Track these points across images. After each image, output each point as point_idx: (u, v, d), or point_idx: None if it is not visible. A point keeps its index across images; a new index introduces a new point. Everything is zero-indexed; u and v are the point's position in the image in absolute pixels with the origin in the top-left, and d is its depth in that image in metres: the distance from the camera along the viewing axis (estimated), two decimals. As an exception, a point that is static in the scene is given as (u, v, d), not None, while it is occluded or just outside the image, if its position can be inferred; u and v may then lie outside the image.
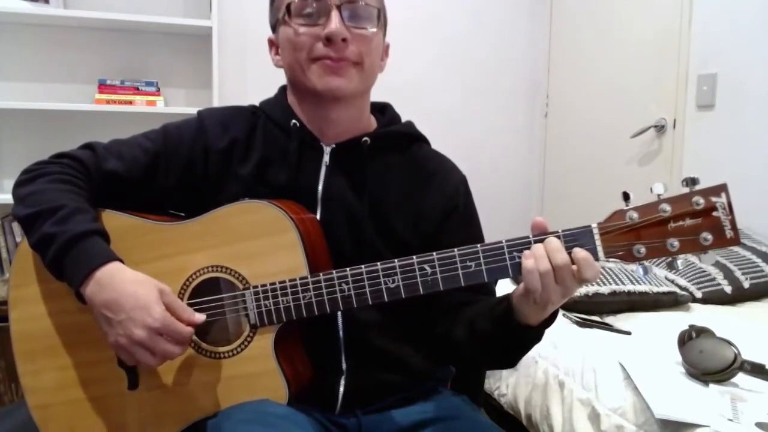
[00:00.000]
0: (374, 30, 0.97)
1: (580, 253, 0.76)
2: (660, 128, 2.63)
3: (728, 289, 1.94)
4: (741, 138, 2.30)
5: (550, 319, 0.85)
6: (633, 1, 2.80)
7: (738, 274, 1.97)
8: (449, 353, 1.02)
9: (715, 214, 0.74)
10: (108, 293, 0.83)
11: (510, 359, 0.93)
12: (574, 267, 0.76)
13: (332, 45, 0.93)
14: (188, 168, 1.00)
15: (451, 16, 3.25)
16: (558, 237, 0.78)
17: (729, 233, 0.74)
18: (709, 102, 2.41)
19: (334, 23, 0.92)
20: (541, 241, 0.78)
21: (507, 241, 0.80)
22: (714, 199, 0.74)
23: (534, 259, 0.76)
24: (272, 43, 1.04)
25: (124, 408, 0.93)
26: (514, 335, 0.86)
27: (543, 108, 3.41)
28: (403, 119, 1.10)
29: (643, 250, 0.76)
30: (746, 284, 1.95)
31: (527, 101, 3.42)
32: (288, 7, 0.95)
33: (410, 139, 1.07)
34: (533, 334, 0.85)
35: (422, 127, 1.10)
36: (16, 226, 2.50)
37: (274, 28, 1.02)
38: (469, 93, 3.31)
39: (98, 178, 0.97)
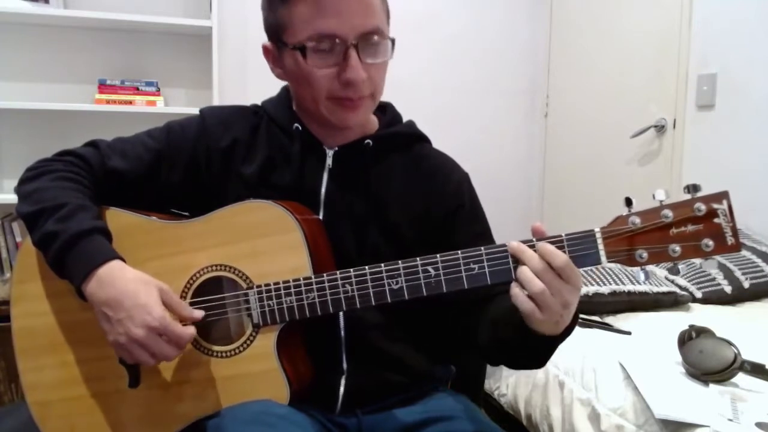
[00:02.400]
0: (388, 59, 0.95)
1: (560, 258, 0.76)
2: (660, 128, 2.63)
3: (728, 289, 1.94)
4: (741, 138, 2.30)
5: (571, 324, 0.83)
6: (633, 1, 2.80)
7: (738, 274, 1.97)
8: (475, 354, 1.01)
9: (716, 220, 0.75)
10: (108, 291, 0.83)
11: (537, 362, 0.90)
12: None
13: (351, 87, 0.91)
14: (191, 167, 1.00)
15: (450, 16, 3.25)
16: (561, 241, 0.78)
17: (730, 240, 0.75)
18: (709, 102, 2.41)
19: (356, 69, 0.89)
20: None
21: (508, 244, 0.80)
22: (715, 205, 0.75)
23: (522, 287, 0.76)
24: (269, 52, 0.99)
25: (125, 406, 0.93)
26: (535, 344, 0.84)
27: (543, 108, 3.41)
28: (403, 119, 1.10)
29: (645, 255, 0.77)
30: (746, 284, 1.95)
31: (527, 101, 3.42)
32: (302, 48, 0.90)
33: (412, 139, 1.07)
34: (557, 341, 0.83)
35: (422, 127, 1.10)
36: (16, 225, 2.50)
37: (270, 36, 0.98)
38: (469, 93, 3.31)
39: (102, 176, 0.97)
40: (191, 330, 0.85)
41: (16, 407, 1.14)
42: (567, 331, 0.83)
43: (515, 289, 0.77)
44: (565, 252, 0.77)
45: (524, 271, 0.77)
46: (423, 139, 1.09)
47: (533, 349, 0.85)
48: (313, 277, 0.87)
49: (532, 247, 0.79)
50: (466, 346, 1.01)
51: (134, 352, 0.84)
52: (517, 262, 0.79)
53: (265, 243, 0.89)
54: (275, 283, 0.88)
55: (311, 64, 0.90)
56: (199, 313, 0.87)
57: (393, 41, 0.94)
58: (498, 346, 0.91)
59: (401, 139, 1.05)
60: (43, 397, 0.95)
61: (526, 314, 0.78)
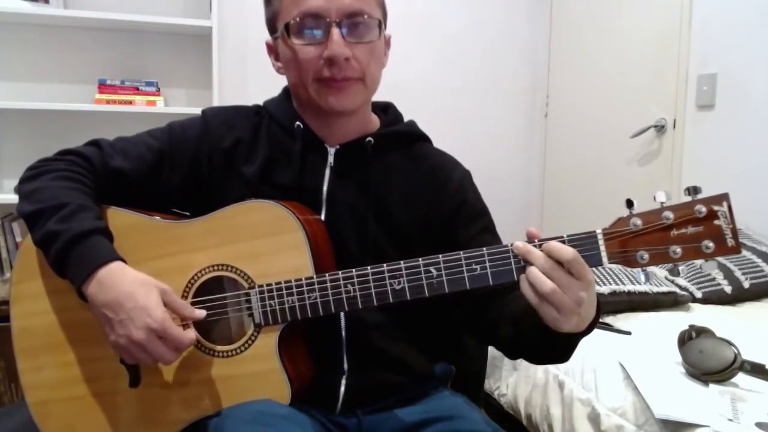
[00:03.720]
0: (376, 40, 0.95)
1: (567, 252, 0.75)
2: (660, 128, 2.63)
3: (728, 289, 1.94)
4: (741, 138, 2.30)
5: (594, 319, 0.83)
6: (633, 1, 2.80)
7: (738, 274, 1.97)
8: (497, 348, 1.00)
9: (716, 222, 0.75)
10: (109, 293, 0.83)
11: (561, 358, 0.90)
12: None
13: (335, 65, 0.92)
14: (193, 167, 1.00)
15: (451, 16, 3.25)
16: (563, 242, 0.78)
17: (730, 242, 0.75)
18: (709, 102, 2.41)
19: (336, 43, 0.90)
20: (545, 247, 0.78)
21: (512, 245, 0.80)
22: (716, 207, 0.75)
23: (534, 284, 0.76)
24: (271, 48, 1.02)
25: (125, 406, 0.93)
26: (558, 342, 0.84)
27: (543, 108, 3.41)
28: (404, 119, 1.10)
29: (646, 256, 0.77)
30: (746, 284, 1.95)
31: (527, 101, 3.42)
32: (287, 26, 0.93)
33: (413, 138, 1.07)
34: (579, 337, 0.83)
35: (422, 127, 1.10)
36: (16, 226, 2.50)
37: (269, 30, 1.01)
38: (469, 93, 3.31)
39: (104, 176, 0.97)
40: (192, 334, 0.85)
41: (16, 407, 1.15)
42: (590, 327, 0.82)
43: (527, 290, 0.77)
44: None
45: (533, 272, 0.76)
46: (423, 139, 1.09)
47: (556, 346, 0.85)
48: (315, 276, 0.87)
49: (536, 247, 0.79)
50: (485, 341, 1.02)
51: (134, 354, 0.84)
52: (521, 262, 0.79)
53: (266, 243, 0.89)
54: (277, 283, 0.88)
55: (295, 41, 0.92)
56: (200, 313, 0.87)
57: (380, 23, 0.95)
58: (520, 343, 0.91)
59: (402, 138, 1.05)
60: (43, 397, 0.95)
61: (541, 314, 0.77)
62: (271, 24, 0.99)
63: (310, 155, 1.00)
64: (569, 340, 0.82)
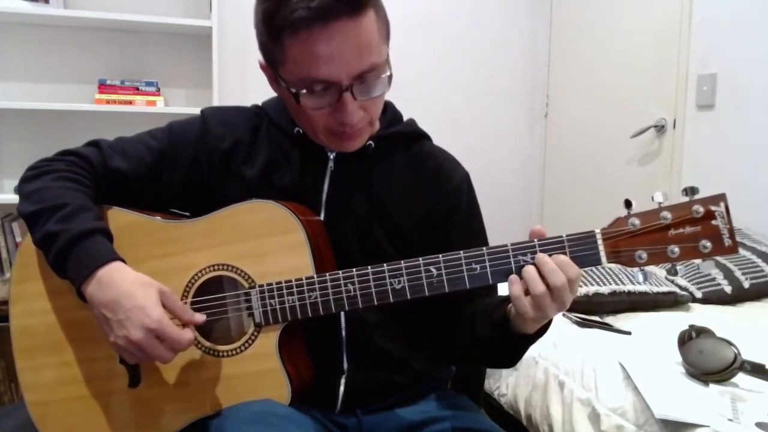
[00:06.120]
0: (386, 90, 0.92)
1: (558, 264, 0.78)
2: (660, 128, 2.63)
3: (728, 289, 1.94)
4: (741, 138, 2.30)
5: (548, 325, 0.85)
6: (633, 2, 2.80)
7: (738, 274, 1.97)
8: (449, 353, 1.02)
9: (714, 222, 0.76)
10: (108, 293, 0.83)
11: (509, 361, 0.93)
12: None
13: (347, 124, 0.89)
14: (192, 168, 1.00)
15: (450, 16, 3.25)
16: (562, 242, 0.79)
17: (727, 241, 0.76)
18: (709, 102, 2.41)
19: (351, 112, 0.87)
20: (547, 249, 0.79)
21: (512, 244, 0.81)
22: (713, 207, 0.76)
23: (524, 283, 0.78)
24: (266, 70, 0.95)
25: (125, 406, 0.93)
26: (511, 343, 0.86)
27: (543, 108, 3.41)
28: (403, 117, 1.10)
29: (644, 255, 0.78)
30: (746, 284, 1.95)
31: (527, 101, 3.42)
32: (296, 94, 0.87)
33: (413, 137, 1.07)
34: (532, 340, 0.86)
35: (422, 128, 1.09)
36: (16, 226, 2.50)
37: (265, 58, 0.94)
38: (469, 93, 3.31)
39: (103, 176, 0.97)
40: (190, 335, 0.84)
41: (15, 407, 1.15)
42: (544, 329, 0.85)
43: (516, 287, 0.79)
44: (566, 253, 0.79)
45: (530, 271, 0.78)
46: (423, 137, 1.09)
47: (509, 346, 0.88)
48: (315, 276, 0.87)
49: (532, 248, 0.79)
50: (442, 347, 1.02)
51: (134, 354, 0.84)
52: (520, 261, 0.80)
53: (267, 243, 0.89)
54: (277, 283, 0.88)
55: (304, 106, 0.88)
56: (200, 317, 0.87)
57: (388, 67, 0.89)
58: (475, 344, 0.92)
59: (402, 139, 1.05)
60: (42, 397, 0.95)
61: (522, 314, 0.79)
62: (268, 58, 0.92)
63: (309, 159, 1.00)
64: (525, 341, 0.85)
